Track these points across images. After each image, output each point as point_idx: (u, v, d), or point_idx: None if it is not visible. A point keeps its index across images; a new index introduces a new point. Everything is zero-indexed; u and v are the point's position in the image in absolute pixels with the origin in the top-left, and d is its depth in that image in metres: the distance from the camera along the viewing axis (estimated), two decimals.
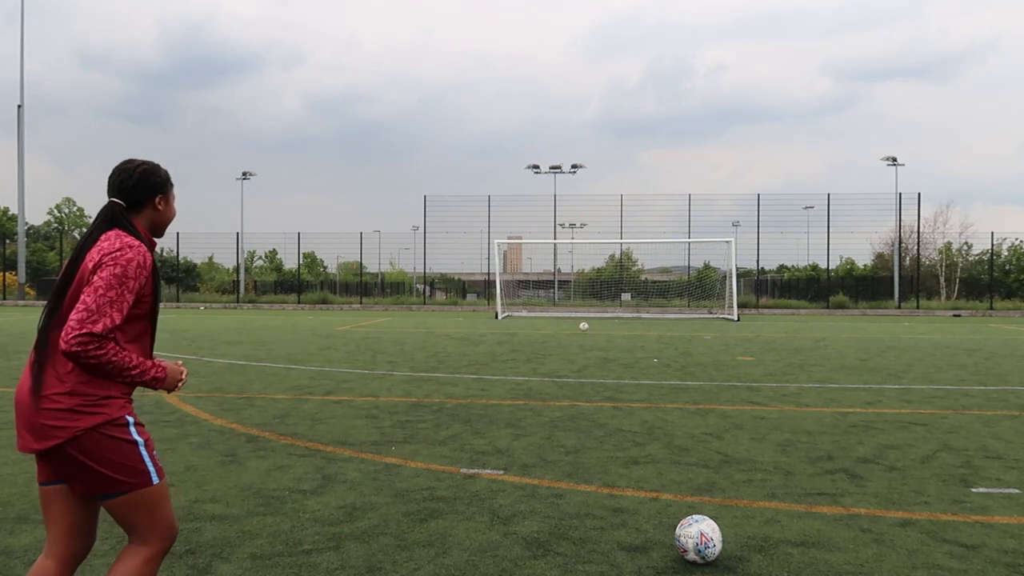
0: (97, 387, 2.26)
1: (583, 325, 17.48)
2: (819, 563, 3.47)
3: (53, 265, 51.33)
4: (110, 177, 2.45)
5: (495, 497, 4.46)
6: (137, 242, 2.34)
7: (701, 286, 43.09)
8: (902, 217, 40.44)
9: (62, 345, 2.16)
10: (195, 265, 50.45)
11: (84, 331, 2.15)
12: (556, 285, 49.86)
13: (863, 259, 49.96)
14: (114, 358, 2.22)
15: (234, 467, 5.11)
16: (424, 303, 40.84)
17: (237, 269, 46.73)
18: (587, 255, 61.68)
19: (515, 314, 32.20)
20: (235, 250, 43.22)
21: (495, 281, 32.75)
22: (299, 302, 39.92)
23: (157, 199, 2.48)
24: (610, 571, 3.37)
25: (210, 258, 52.82)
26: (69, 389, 2.23)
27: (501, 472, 5.02)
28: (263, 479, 4.81)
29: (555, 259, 48.76)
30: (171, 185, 2.55)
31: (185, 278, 46.21)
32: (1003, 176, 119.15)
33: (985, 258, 42.56)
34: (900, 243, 41.51)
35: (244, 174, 49.24)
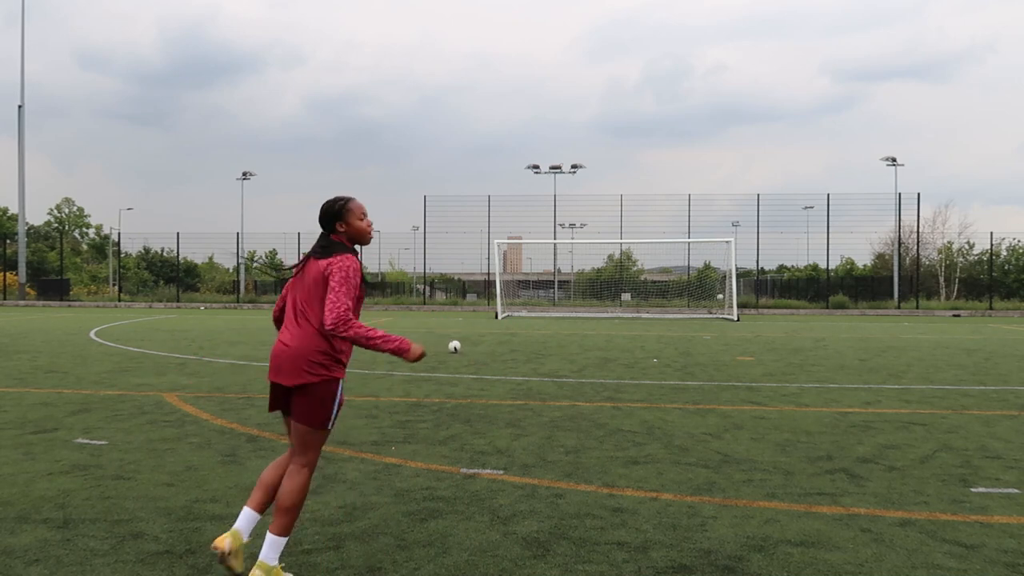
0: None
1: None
2: (819, 563, 3.47)
3: (53, 265, 51.33)
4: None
5: (495, 497, 4.47)
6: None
7: (701, 286, 43.11)
8: (902, 217, 40.49)
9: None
10: (195, 265, 50.51)
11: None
12: (556, 285, 49.86)
13: (863, 259, 50.10)
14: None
15: (234, 467, 5.11)
16: (424, 303, 40.85)
17: (237, 269, 46.78)
18: (587, 255, 61.86)
19: (515, 314, 32.20)
20: (235, 250, 43.26)
21: (495, 281, 32.74)
22: None
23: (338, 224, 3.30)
24: (610, 571, 3.38)
25: (210, 258, 52.91)
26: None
27: (501, 472, 5.02)
28: None
29: (555, 259, 48.76)
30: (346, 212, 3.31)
31: (185, 278, 46.22)
32: (1002, 176, 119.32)
33: (985, 258, 42.58)
34: (900, 243, 41.53)
35: (244, 174, 49.32)
